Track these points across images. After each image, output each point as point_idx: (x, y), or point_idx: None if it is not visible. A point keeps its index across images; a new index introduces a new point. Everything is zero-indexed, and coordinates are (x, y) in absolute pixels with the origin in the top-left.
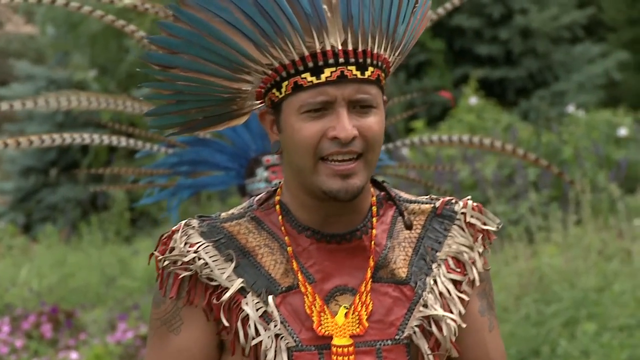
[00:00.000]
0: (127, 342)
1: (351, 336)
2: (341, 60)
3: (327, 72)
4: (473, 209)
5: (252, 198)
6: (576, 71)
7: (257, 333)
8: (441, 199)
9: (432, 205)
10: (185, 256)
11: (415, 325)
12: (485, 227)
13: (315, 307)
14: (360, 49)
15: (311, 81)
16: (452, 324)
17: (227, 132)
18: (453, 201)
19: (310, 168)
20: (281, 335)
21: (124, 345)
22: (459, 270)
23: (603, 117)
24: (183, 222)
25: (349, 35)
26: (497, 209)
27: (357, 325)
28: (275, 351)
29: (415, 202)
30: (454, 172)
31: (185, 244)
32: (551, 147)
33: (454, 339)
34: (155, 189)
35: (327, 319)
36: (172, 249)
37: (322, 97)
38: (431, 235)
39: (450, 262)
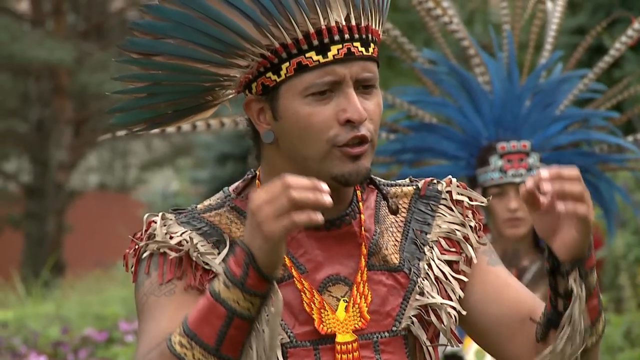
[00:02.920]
0: None
1: (354, 331)
2: (346, 36)
3: (333, 49)
4: (458, 186)
5: (226, 188)
6: None
7: None
8: (422, 180)
9: (415, 187)
10: (172, 239)
11: (413, 315)
12: (472, 204)
13: (315, 304)
14: (362, 24)
15: (317, 60)
16: (452, 312)
17: (457, 116)
18: (435, 181)
19: (321, 155)
20: None
21: None
22: (453, 250)
23: None
24: (159, 214)
25: (351, 10)
26: None
27: (358, 319)
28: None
29: (395, 185)
30: None
31: (166, 233)
32: None
33: (454, 328)
34: None
35: (327, 315)
36: (152, 235)
37: (330, 77)
38: (418, 217)
39: (443, 242)
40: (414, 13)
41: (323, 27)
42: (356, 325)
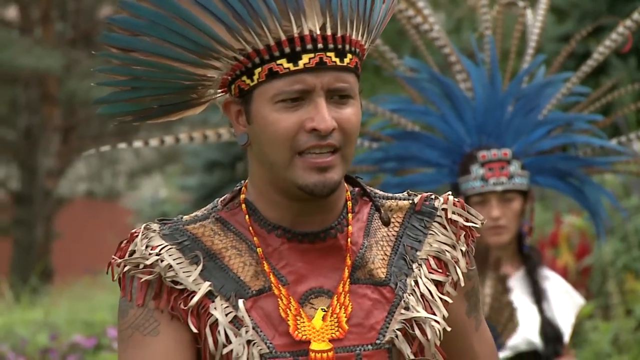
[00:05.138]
0: None
1: (330, 340)
2: (320, 45)
3: (305, 58)
4: (454, 204)
5: (216, 199)
6: None
7: (228, 340)
8: (419, 195)
9: (410, 201)
10: (147, 259)
11: (397, 329)
12: (467, 225)
13: (291, 310)
14: (339, 35)
15: (288, 68)
16: (437, 326)
17: (440, 124)
18: (432, 197)
19: (285, 162)
20: (253, 342)
21: None
22: (440, 270)
23: None
24: (141, 226)
25: (328, 19)
26: None
27: (336, 329)
28: (247, 359)
29: (391, 198)
30: None
31: (147, 247)
32: None
33: (438, 342)
34: None
35: (303, 322)
36: (133, 252)
37: (299, 86)
38: (410, 233)
39: (432, 261)
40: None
41: (296, 35)
42: (333, 335)
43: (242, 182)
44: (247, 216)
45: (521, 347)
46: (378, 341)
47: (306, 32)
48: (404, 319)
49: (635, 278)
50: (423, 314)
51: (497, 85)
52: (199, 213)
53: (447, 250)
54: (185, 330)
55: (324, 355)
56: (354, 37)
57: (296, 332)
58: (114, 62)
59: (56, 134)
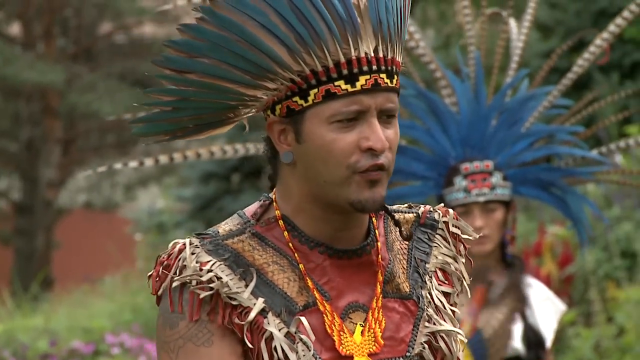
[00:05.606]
0: None
1: (368, 355)
2: (374, 67)
3: (362, 79)
4: (454, 217)
5: (242, 212)
6: None
7: (284, 355)
8: (422, 207)
9: (415, 214)
10: (202, 276)
11: (424, 342)
12: (465, 237)
13: (335, 325)
14: (389, 57)
15: (345, 89)
16: (460, 337)
17: (425, 138)
18: (431, 209)
19: (340, 180)
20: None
21: None
22: (446, 282)
23: None
24: (186, 241)
25: (379, 42)
26: None
27: (373, 343)
28: None
29: (398, 211)
30: None
31: (197, 262)
32: None
33: (460, 354)
34: None
35: (346, 337)
36: (184, 267)
37: (356, 107)
38: (418, 246)
39: (439, 274)
40: None
41: (353, 57)
42: (371, 350)
43: (266, 195)
44: (285, 232)
45: None
46: (408, 354)
47: (362, 55)
48: (429, 332)
49: (616, 286)
50: (447, 326)
51: (482, 99)
52: (232, 227)
53: (450, 262)
54: (236, 343)
55: None
56: (397, 58)
57: (341, 347)
58: (164, 83)
59: (57, 146)
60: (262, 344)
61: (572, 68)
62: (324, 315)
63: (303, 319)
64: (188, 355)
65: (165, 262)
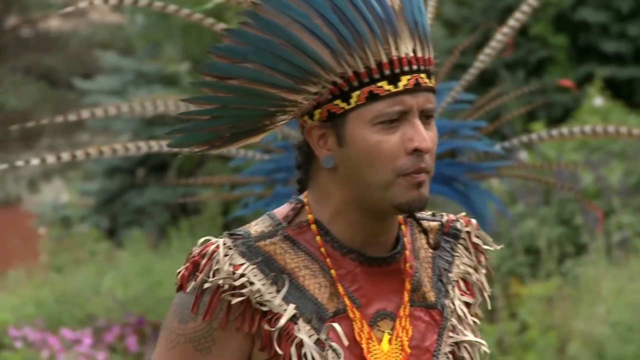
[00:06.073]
0: None
1: None
2: (415, 67)
3: (404, 80)
4: (476, 228)
5: (272, 213)
6: None
7: None
8: (446, 216)
9: (439, 222)
10: (235, 280)
11: (447, 352)
12: (486, 248)
13: (364, 333)
14: (426, 57)
15: (388, 90)
16: (483, 348)
17: None
18: (454, 219)
19: (386, 183)
20: None
21: None
22: (468, 292)
23: None
24: (219, 240)
25: (417, 42)
26: (623, 220)
27: (399, 352)
28: None
29: (422, 219)
30: (577, 179)
31: (230, 265)
32: None
33: None
34: (251, 198)
35: (374, 346)
36: (217, 270)
37: (399, 107)
38: (442, 255)
39: (461, 283)
40: None
41: (394, 57)
42: (397, 358)
43: (296, 198)
44: (318, 237)
45: None
46: None
47: (403, 55)
48: (453, 342)
49: (519, 282)
50: (471, 337)
51: None
52: (263, 228)
53: (471, 273)
54: (234, 353)
55: None
56: (432, 58)
57: (369, 355)
58: (205, 91)
59: None
60: (292, 350)
61: (474, 63)
62: (353, 323)
63: (336, 325)
64: (182, 354)
65: (198, 261)
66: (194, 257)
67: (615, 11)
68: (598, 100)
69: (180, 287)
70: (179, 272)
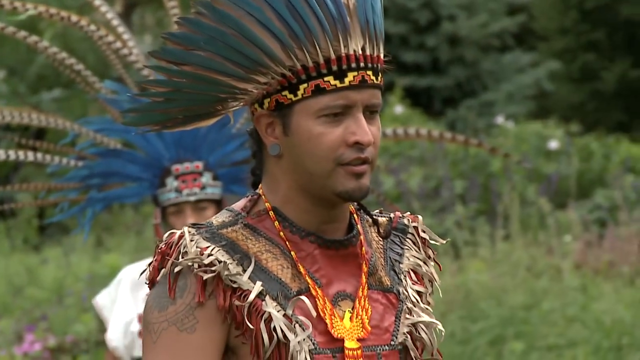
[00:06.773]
0: (35, 354)
1: (357, 340)
2: (362, 64)
3: (350, 76)
4: (422, 224)
5: (230, 207)
6: (505, 81)
7: (284, 336)
8: (394, 213)
9: (387, 218)
10: (203, 259)
11: (406, 332)
12: (433, 242)
13: (327, 310)
14: (375, 55)
15: (334, 85)
16: (439, 328)
17: (140, 141)
18: (402, 215)
19: (327, 172)
20: (304, 339)
21: (31, 357)
22: (418, 282)
23: (533, 129)
24: (184, 228)
25: (367, 40)
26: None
27: (360, 329)
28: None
29: (371, 214)
30: (379, 183)
31: (197, 247)
32: (479, 159)
33: (437, 344)
34: (66, 203)
35: (337, 322)
36: (185, 253)
37: (343, 101)
38: (392, 247)
39: (412, 274)
40: None
41: (343, 54)
42: (359, 335)
43: (252, 191)
44: (276, 223)
45: None
46: (392, 342)
47: (351, 52)
48: (410, 323)
49: None
50: (426, 318)
51: None
52: (225, 219)
53: (421, 265)
54: (222, 332)
55: (356, 353)
56: (381, 56)
57: (333, 330)
58: (160, 74)
59: None
60: (262, 325)
61: None
62: (317, 299)
63: (304, 297)
64: (168, 339)
65: (165, 251)
66: (160, 248)
67: (413, 23)
68: (399, 108)
69: (152, 283)
70: (149, 265)
